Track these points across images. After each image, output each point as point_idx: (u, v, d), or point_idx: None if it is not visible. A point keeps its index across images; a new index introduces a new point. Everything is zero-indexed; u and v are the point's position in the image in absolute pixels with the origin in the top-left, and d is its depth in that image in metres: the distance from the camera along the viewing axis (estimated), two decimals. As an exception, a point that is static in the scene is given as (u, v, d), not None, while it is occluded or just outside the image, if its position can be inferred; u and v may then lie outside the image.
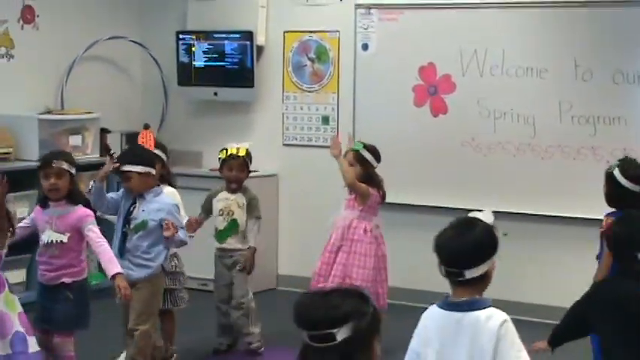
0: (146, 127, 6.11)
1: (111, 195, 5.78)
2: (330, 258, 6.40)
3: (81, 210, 5.43)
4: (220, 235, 6.48)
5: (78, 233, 5.39)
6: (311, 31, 8.28)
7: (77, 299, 5.41)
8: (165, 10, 8.89)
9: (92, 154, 8.03)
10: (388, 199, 7.18)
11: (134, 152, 5.93)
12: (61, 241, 5.36)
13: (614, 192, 5.46)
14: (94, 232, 5.36)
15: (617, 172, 5.47)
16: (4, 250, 4.93)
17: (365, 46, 7.99)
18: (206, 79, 8.54)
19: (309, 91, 8.33)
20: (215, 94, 8.55)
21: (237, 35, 8.35)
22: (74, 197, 5.43)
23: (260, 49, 8.41)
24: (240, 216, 6.45)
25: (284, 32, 8.38)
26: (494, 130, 7.56)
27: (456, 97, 7.69)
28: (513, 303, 6.38)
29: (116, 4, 8.85)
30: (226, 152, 6.49)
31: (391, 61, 7.86)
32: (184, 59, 8.60)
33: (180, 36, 8.59)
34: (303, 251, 7.89)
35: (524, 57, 7.44)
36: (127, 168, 5.64)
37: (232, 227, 6.45)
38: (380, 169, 7.64)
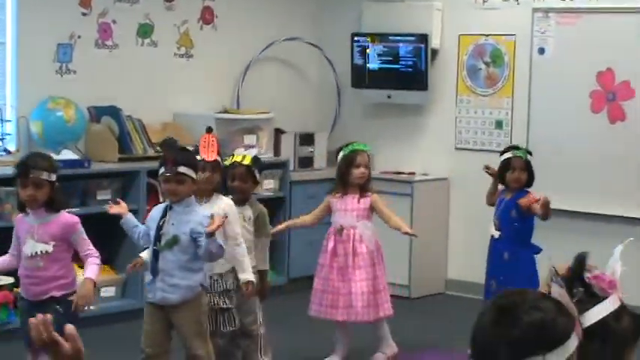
0: (209, 130, 5.71)
1: (139, 227, 5.39)
2: (369, 273, 6.36)
3: (64, 217, 5.11)
4: None
5: (64, 242, 5.10)
6: (486, 35, 8.35)
7: (68, 313, 4.96)
8: (340, 12, 9.10)
9: (266, 154, 8.21)
10: (559, 206, 7.19)
11: (190, 154, 5.40)
12: (47, 251, 5.04)
13: (531, 174, 6.51)
14: (82, 242, 5.09)
15: (529, 157, 6.58)
16: None
17: (541, 50, 8.00)
18: (380, 82, 8.68)
19: (484, 95, 8.40)
20: (388, 96, 8.70)
21: (412, 38, 8.48)
22: (54, 205, 5.08)
23: (434, 52, 8.52)
24: (245, 231, 5.82)
25: (459, 35, 8.47)
26: (674, 139, 7.50)
27: (635, 104, 7.65)
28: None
29: (292, 5, 9.12)
30: (231, 159, 5.95)
31: (568, 66, 7.86)
32: (358, 61, 8.77)
33: (355, 38, 8.76)
34: (473, 256, 7.96)
35: None
36: (183, 170, 5.16)
37: None
38: (552, 175, 7.65)
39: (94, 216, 6.48)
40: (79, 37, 7.66)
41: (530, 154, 6.70)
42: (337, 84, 9.11)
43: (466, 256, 8.29)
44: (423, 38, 8.42)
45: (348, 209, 6.36)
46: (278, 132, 8.56)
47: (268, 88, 8.85)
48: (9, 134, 7.28)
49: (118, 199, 5.67)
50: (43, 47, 7.50)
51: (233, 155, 5.97)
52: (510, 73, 8.25)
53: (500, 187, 6.67)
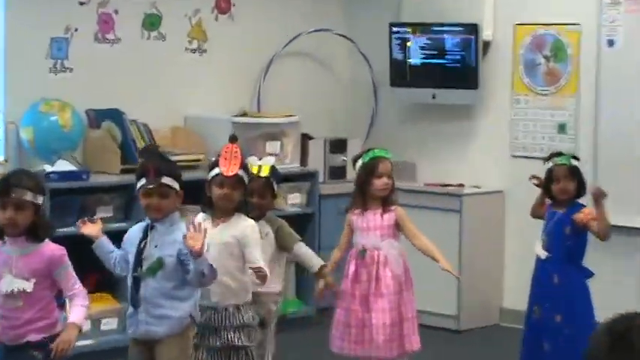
0: (232, 139, 5.54)
1: (115, 252, 5.31)
2: (392, 301, 6.20)
3: (48, 247, 4.96)
4: None
5: (47, 278, 4.95)
6: (546, 24, 8.25)
7: None
8: (377, -1, 9.07)
9: (292, 164, 8.26)
10: (625, 223, 7.09)
11: (173, 163, 5.43)
12: (24, 289, 4.89)
13: (581, 182, 6.48)
14: (68, 278, 4.96)
15: (577, 163, 6.56)
16: None
17: (610, 42, 7.89)
18: (423, 79, 8.63)
19: (543, 94, 8.30)
20: (433, 96, 8.63)
21: (460, 29, 8.40)
22: (37, 233, 4.93)
23: (486, 44, 8.44)
24: (262, 250, 5.67)
25: (515, 25, 8.38)
26: None
27: None
28: None
29: (321, -8, 9.11)
30: None
31: (641, 60, 7.77)
32: (398, 56, 8.71)
33: (394, 29, 8.67)
34: (532, 282, 7.87)
35: None
36: (167, 181, 5.14)
37: None
38: (624, 185, 7.54)
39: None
40: (75, 30, 7.66)
41: (577, 158, 6.67)
42: (373, 82, 9.05)
43: (524, 282, 8.05)
44: (473, 29, 8.34)
45: (370, 227, 6.25)
46: (305, 138, 8.55)
47: (294, 88, 8.84)
48: (-4, 142, 7.31)
49: (93, 218, 5.54)
50: (34, 42, 7.47)
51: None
52: (574, 68, 8.14)
53: (549, 200, 6.64)
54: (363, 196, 6.29)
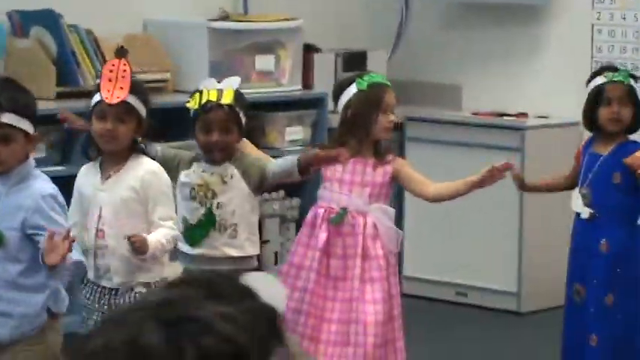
0: (120, 54, 5.59)
1: None
2: (386, 290, 6.20)
3: None
4: (192, 234, 5.98)
5: None
6: None
7: None
8: None
9: (291, 86, 8.28)
10: None
11: (18, 93, 5.40)
12: None
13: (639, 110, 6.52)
14: None
15: (635, 84, 6.52)
16: None
17: None
18: None
19: (638, -11, 8.34)
20: None
21: None
22: None
23: None
24: (228, 199, 5.97)
25: None
26: None
27: None
28: None
29: None
30: (200, 98, 5.94)
31: None
32: None
33: None
34: None
35: None
36: (10, 120, 5.15)
37: (212, 220, 5.97)
38: None
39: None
40: None
41: (636, 78, 6.69)
42: (402, -29, 9.09)
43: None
44: None
45: (355, 182, 6.25)
46: (309, 50, 8.57)
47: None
48: None
49: None
50: None
51: (201, 92, 5.91)
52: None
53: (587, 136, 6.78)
54: (359, 138, 6.24)
